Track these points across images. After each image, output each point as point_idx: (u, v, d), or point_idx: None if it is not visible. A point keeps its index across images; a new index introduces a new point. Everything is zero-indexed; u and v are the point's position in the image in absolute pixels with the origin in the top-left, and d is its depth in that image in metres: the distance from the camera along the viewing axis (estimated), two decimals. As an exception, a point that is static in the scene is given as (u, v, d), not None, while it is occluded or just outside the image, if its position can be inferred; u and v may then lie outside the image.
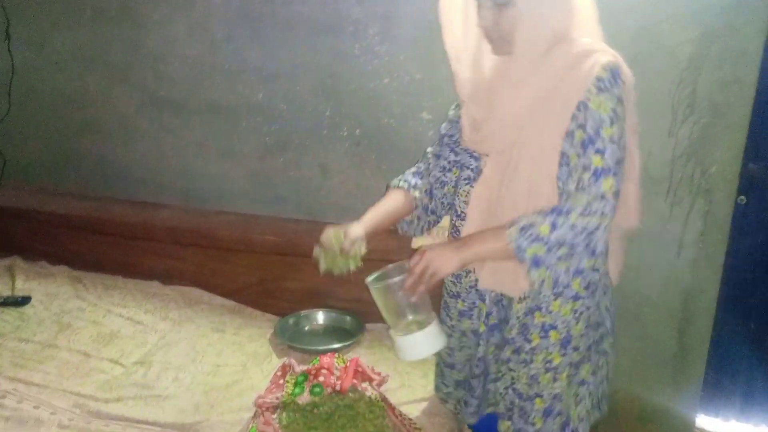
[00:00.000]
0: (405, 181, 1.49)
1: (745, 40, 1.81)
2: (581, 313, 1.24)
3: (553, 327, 1.24)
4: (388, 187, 1.53)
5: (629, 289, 2.09)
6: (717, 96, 1.88)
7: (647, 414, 2.21)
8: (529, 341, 1.26)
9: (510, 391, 1.33)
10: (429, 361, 1.88)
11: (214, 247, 2.22)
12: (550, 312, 1.24)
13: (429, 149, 1.48)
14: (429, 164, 1.46)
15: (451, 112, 1.43)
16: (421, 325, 1.28)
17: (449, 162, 1.40)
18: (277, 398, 1.59)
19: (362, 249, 1.40)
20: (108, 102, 2.56)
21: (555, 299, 1.23)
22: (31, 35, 2.57)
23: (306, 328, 2.03)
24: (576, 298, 1.23)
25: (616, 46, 1.91)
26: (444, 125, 1.43)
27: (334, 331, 2.01)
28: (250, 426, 1.52)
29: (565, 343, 1.25)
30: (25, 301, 2.11)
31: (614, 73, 1.11)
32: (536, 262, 1.10)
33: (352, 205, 2.34)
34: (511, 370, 1.32)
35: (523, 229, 1.10)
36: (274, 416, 1.54)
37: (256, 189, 2.44)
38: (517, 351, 1.29)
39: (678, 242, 2.03)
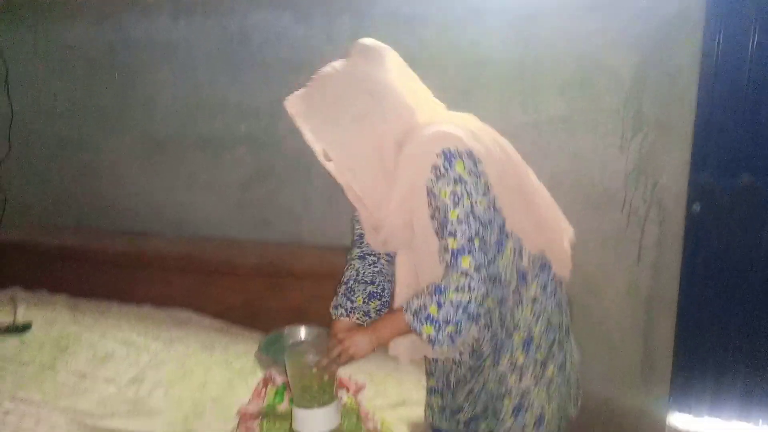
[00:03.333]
0: (342, 308, 1.53)
1: (681, 60, 1.98)
2: (540, 314, 1.36)
3: (516, 328, 1.36)
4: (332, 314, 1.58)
5: (593, 298, 2.21)
6: (661, 113, 2.04)
7: (620, 414, 2.31)
8: (515, 362, 1.38)
9: (482, 392, 1.44)
10: (403, 368, 2.01)
11: (201, 272, 2.35)
12: (512, 315, 1.36)
13: (350, 255, 1.57)
14: (357, 270, 1.54)
15: (355, 214, 1.52)
16: (323, 403, 1.40)
17: (372, 257, 1.52)
18: (258, 407, 1.71)
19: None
20: (101, 144, 2.73)
21: (516, 306, 1.36)
22: (29, 82, 2.76)
23: (290, 342, 2.15)
24: (534, 300, 1.36)
25: (563, 72, 2.10)
26: (356, 228, 1.55)
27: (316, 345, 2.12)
28: (234, 433, 1.64)
29: (527, 342, 1.36)
30: (26, 328, 2.24)
31: (447, 156, 1.20)
32: (431, 340, 1.22)
33: (332, 228, 2.49)
34: (480, 373, 1.43)
35: (416, 313, 1.23)
36: (256, 423, 1.66)
37: (242, 216, 2.59)
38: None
39: (637, 250, 2.16)
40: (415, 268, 1.39)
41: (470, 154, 1.21)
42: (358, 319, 1.51)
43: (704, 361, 2.29)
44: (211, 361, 2.06)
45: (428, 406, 1.63)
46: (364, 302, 1.51)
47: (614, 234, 2.16)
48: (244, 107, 2.46)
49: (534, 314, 1.36)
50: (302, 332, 2.18)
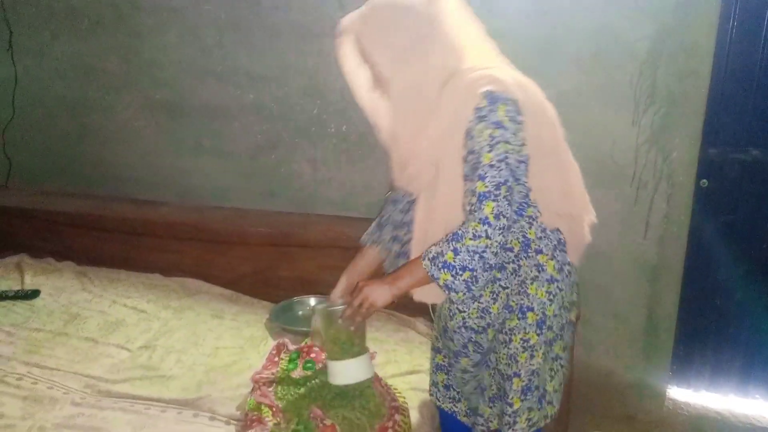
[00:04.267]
0: (370, 237, 1.58)
1: (697, 35, 1.96)
2: (555, 295, 1.35)
3: (530, 309, 1.35)
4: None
5: (600, 270, 2.24)
6: (675, 87, 2.03)
7: (621, 388, 2.35)
8: (508, 320, 1.38)
9: (495, 372, 1.44)
10: (414, 339, 2.04)
11: (211, 241, 2.35)
12: (528, 294, 1.35)
13: (388, 194, 1.59)
14: (390, 212, 1.56)
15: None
16: (354, 354, 1.42)
17: (405, 203, 1.52)
18: (272, 374, 1.73)
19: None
20: (106, 107, 2.69)
21: (531, 283, 1.35)
22: (32, 45, 2.70)
23: (299, 313, 2.16)
24: (551, 281, 1.35)
25: (578, 44, 2.08)
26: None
27: (326, 315, 2.14)
28: (248, 399, 1.65)
29: (540, 323, 1.36)
30: (34, 294, 2.25)
31: (492, 99, 1.19)
32: (447, 287, 1.22)
33: (341, 198, 2.49)
34: (493, 351, 1.43)
35: (433, 259, 1.23)
36: (270, 389, 1.68)
37: (248, 185, 2.58)
38: (497, 331, 1.41)
39: (644, 223, 2.18)
40: (430, 214, 1.37)
41: (514, 102, 1.21)
42: (381, 253, 1.55)
43: (705, 336, 2.33)
44: (221, 329, 2.08)
45: (433, 383, 1.64)
46: (388, 240, 1.55)
47: (623, 207, 2.17)
48: (253, 73, 2.43)
49: (549, 294, 1.35)
50: (312, 302, 2.20)
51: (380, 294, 1.30)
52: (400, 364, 1.88)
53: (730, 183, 2.13)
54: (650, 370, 2.32)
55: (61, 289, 2.31)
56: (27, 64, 2.73)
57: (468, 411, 1.57)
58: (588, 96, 2.09)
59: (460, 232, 1.21)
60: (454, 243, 1.21)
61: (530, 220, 1.33)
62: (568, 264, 1.39)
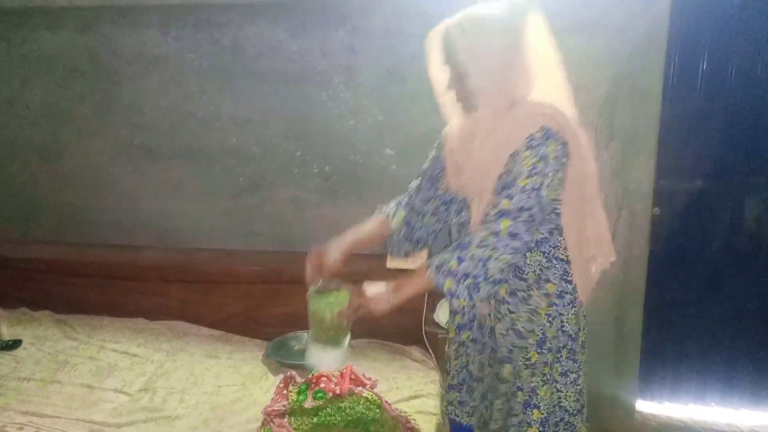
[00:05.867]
0: (386, 211, 1.66)
1: (647, 80, 2.23)
2: (554, 318, 1.46)
3: (531, 332, 1.46)
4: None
5: (572, 293, 2.42)
6: (630, 127, 2.28)
7: (595, 402, 2.51)
8: (529, 359, 1.47)
9: (497, 389, 1.54)
10: (411, 366, 2.12)
11: (199, 281, 2.37)
12: (530, 320, 1.46)
13: (412, 183, 1.66)
14: (411, 196, 1.64)
15: (433, 152, 1.62)
16: (336, 344, 1.54)
17: (430, 195, 1.61)
18: (284, 406, 1.76)
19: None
20: (80, 153, 2.67)
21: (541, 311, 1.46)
22: (3, 92, 2.67)
23: (295, 348, 2.20)
24: (550, 305, 1.45)
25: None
26: (426, 162, 1.64)
27: (321, 349, 2.19)
28: (262, 431, 1.68)
29: (540, 343, 1.46)
30: (16, 344, 2.17)
31: (547, 134, 1.28)
32: (451, 293, 1.30)
33: (324, 236, 2.56)
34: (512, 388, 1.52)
35: (437, 267, 1.31)
36: (284, 421, 1.71)
37: (231, 225, 2.62)
38: (517, 374, 1.50)
39: (609, 249, 2.39)
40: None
41: (565, 144, 1.30)
42: (389, 229, 1.63)
43: (667, 351, 2.55)
44: (218, 368, 2.09)
45: (448, 402, 1.72)
46: (401, 222, 1.63)
47: (589, 235, 2.38)
48: (236, 118, 2.51)
49: (548, 317, 1.46)
50: (307, 337, 2.25)
51: (380, 304, 1.39)
52: (402, 390, 1.96)
53: (679, 210, 2.40)
54: (620, 384, 2.50)
55: (43, 338, 2.24)
56: (-2, 110, 2.69)
57: (479, 423, 1.66)
58: (554, 135, 2.31)
59: (465, 241, 1.31)
60: (459, 251, 1.29)
61: (547, 256, 1.42)
62: (570, 294, 1.46)
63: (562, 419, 1.54)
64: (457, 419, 1.70)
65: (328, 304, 1.49)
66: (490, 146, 1.35)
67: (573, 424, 1.54)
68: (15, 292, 2.50)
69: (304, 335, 2.27)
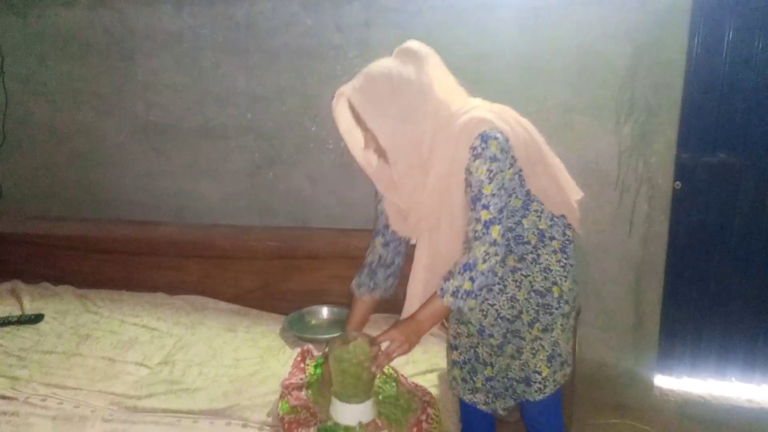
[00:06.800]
0: (364, 287, 1.65)
1: (670, 51, 2.18)
2: (568, 270, 1.52)
3: (555, 283, 1.51)
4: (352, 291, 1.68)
5: (591, 269, 2.40)
6: (651, 99, 2.24)
7: (613, 378, 2.51)
8: (551, 314, 1.52)
9: (516, 353, 1.57)
10: (429, 339, 2.12)
11: (216, 257, 2.38)
12: (551, 272, 1.50)
13: (374, 240, 1.66)
14: (379, 255, 1.64)
15: (379, 205, 1.63)
16: (360, 400, 1.52)
17: (400, 244, 1.64)
18: (301, 379, 1.78)
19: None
20: (97, 130, 2.70)
21: (553, 267, 1.50)
22: (23, 69, 2.68)
23: (312, 323, 2.22)
24: (561, 262, 1.51)
25: (564, 62, 2.26)
26: (381, 216, 1.64)
27: (338, 323, 2.20)
28: (281, 404, 1.70)
29: (559, 298, 1.52)
30: (38, 318, 2.21)
31: (484, 138, 1.34)
32: (471, 309, 1.46)
33: (340, 212, 2.57)
34: (521, 337, 1.56)
35: (454, 294, 1.37)
36: (302, 393, 1.73)
37: (247, 203, 2.63)
38: (546, 329, 1.54)
39: (629, 224, 2.36)
40: (434, 250, 1.51)
41: (501, 135, 1.37)
42: (379, 295, 1.66)
43: (685, 326, 2.52)
44: (237, 341, 2.11)
45: (453, 378, 1.74)
46: (383, 281, 1.66)
47: (608, 210, 2.35)
48: (251, 94, 2.50)
49: (564, 270, 1.52)
50: (324, 312, 2.27)
51: (412, 342, 1.43)
52: (419, 364, 1.96)
53: (702, 184, 2.35)
54: (639, 360, 2.49)
55: (65, 312, 2.28)
56: (16, 87, 2.70)
57: (487, 399, 1.67)
58: (573, 109, 2.28)
59: (470, 261, 1.37)
60: (469, 273, 1.37)
61: (538, 213, 1.49)
62: (573, 243, 1.55)
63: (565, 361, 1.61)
64: (460, 395, 1.71)
65: (356, 357, 1.47)
66: (432, 181, 1.40)
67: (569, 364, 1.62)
68: (36, 268, 2.54)
69: (321, 310, 2.29)
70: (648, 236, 2.35)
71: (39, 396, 1.76)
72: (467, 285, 1.37)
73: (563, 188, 1.53)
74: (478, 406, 1.70)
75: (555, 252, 1.51)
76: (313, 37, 2.40)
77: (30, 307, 2.31)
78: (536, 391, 1.55)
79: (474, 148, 1.35)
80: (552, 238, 1.51)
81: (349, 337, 1.53)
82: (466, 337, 1.67)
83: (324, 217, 2.58)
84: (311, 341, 2.06)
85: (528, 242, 1.50)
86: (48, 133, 2.73)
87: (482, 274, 1.36)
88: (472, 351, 1.67)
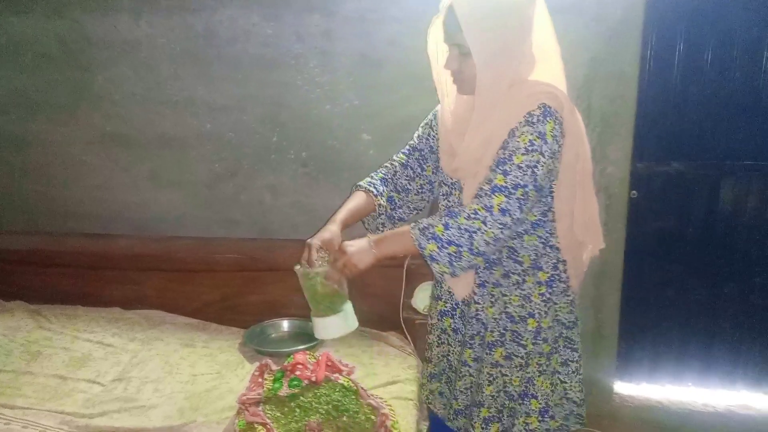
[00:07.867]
0: (374, 186, 1.60)
1: (623, 63, 2.22)
2: (549, 308, 1.43)
3: (531, 315, 1.43)
4: (355, 186, 1.64)
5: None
6: (607, 109, 2.27)
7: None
8: (524, 347, 1.45)
9: (502, 393, 1.50)
10: (389, 352, 2.12)
11: (175, 270, 2.34)
12: (531, 301, 1.44)
13: (395, 157, 1.62)
14: (395, 171, 1.60)
15: (420, 130, 1.60)
16: (335, 311, 1.51)
17: (416, 173, 1.59)
18: (258, 394, 1.75)
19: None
20: (53, 142, 2.61)
21: (534, 297, 1.43)
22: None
23: (272, 336, 2.19)
24: (541, 292, 1.43)
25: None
26: (414, 139, 1.61)
27: (299, 336, 2.18)
28: (237, 421, 1.67)
29: (536, 333, 1.44)
30: (-13, 336, 2.14)
31: (546, 111, 1.26)
32: (432, 258, 1.28)
33: (302, 222, 2.55)
34: (503, 375, 1.48)
35: (423, 229, 1.29)
36: (259, 409, 1.70)
37: (208, 214, 2.58)
38: (509, 357, 1.47)
39: (587, 233, 2.39)
40: (466, 199, 1.42)
41: (562, 124, 1.28)
42: (376, 204, 1.57)
43: (643, 333, 2.57)
44: (194, 357, 2.07)
45: (429, 391, 1.72)
46: (385, 192, 1.59)
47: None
48: (211, 104, 2.47)
49: (543, 304, 1.43)
50: (285, 325, 2.24)
51: (363, 257, 1.36)
52: (379, 376, 1.95)
53: (657, 193, 2.40)
54: (599, 367, 2.52)
55: (16, 329, 2.21)
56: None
57: (457, 412, 1.62)
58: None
59: (457, 210, 1.29)
60: (447, 218, 1.27)
61: (542, 239, 1.40)
62: (564, 282, 1.45)
63: (572, 412, 1.53)
64: (434, 410, 1.70)
65: (317, 275, 1.47)
66: (486, 129, 1.33)
67: (581, 415, 1.54)
68: (-14, 284, 2.46)
69: (282, 323, 2.26)
70: (606, 243, 2.37)
71: (-15, 417, 1.71)
72: (438, 228, 1.27)
73: (588, 226, 1.44)
74: (446, 423, 1.66)
75: (540, 284, 1.43)
76: (274, 46, 2.38)
77: (-21, 324, 2.24)
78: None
79: (530, 114, 1.26)
80: (540, 269, 1.43)
81: (312, 246, 1.48)
82: (437, 346, 1.64)
83: (287, 227, 2.55)
84: (270, 355, 2.04)
85: (520, 262, 1.42)
86: (2, 144, 2.65)
87: (459, 228, 1.25)
88: (445, 360, 1.63)
